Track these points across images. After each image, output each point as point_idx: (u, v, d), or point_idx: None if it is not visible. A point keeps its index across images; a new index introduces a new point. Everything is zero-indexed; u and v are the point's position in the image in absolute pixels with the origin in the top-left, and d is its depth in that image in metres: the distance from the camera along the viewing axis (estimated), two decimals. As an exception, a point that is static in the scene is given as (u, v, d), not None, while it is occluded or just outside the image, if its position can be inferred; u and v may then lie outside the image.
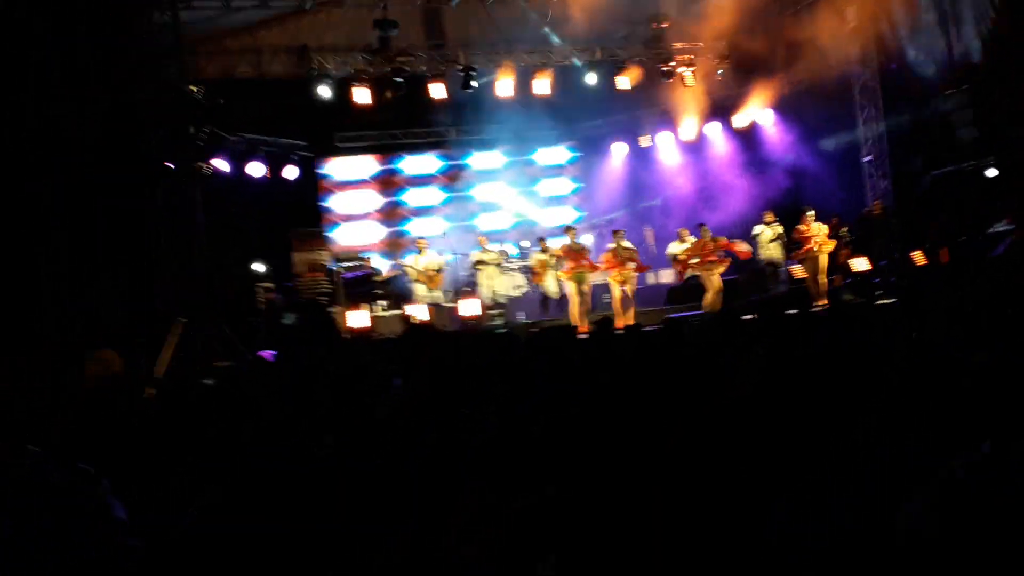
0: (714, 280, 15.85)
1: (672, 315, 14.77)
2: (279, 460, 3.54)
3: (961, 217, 16.45)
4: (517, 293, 18.35)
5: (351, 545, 3.18)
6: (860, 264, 16.89)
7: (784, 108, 20.31)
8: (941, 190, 17.12)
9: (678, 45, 19.93)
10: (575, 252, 15.59)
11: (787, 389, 3.76)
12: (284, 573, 3.08)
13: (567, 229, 16.28)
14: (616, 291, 15.46)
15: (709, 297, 15.82)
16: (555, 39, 19.35)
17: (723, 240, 16.08)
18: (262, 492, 3.34)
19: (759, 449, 3.32)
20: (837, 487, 2.91)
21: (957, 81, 16.36)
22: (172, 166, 14.14)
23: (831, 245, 15.84)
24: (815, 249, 15.68)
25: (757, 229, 17.88)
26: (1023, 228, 14.72)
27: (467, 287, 18.71)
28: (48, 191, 10.86)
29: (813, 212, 15.99)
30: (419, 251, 17.71)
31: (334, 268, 18.69)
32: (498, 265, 17.87)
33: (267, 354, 12.49)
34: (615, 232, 16.02)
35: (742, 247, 16.29)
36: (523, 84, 19.37)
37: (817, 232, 15.74)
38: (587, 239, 20.07)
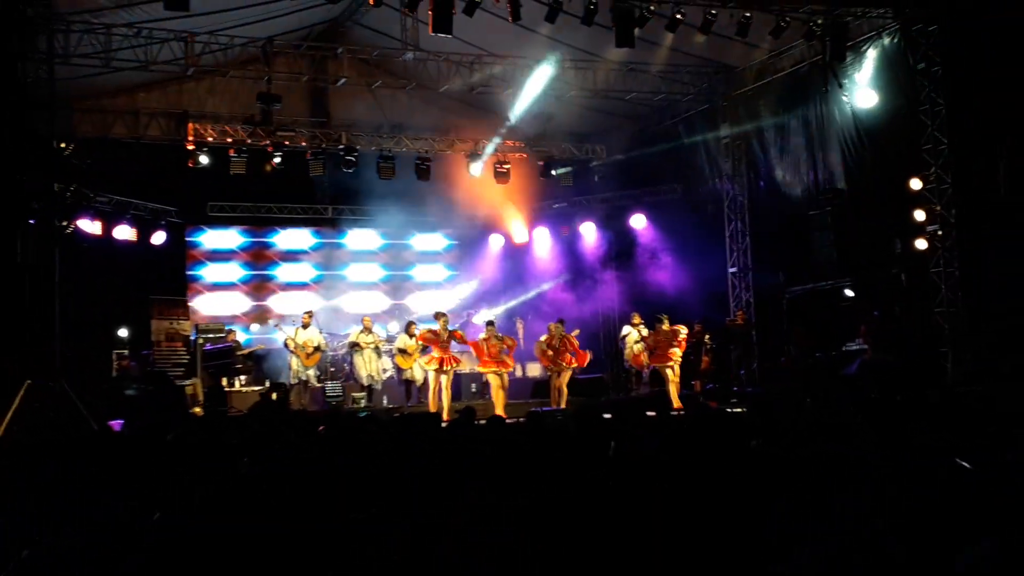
0: (564, 376, 15.95)
1: (536, 409, 14.80)
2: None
3: (818, 333, 17.02)
4: (383, 377, 18.13)
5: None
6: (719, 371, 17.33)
7: (658, 215, 20.88)
8: (801, 306, 17.72)
9: (562, 145, 20.39)
10: (440, 339, 15.57)
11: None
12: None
13: (437, 315, 16.25)
14: (495, 381, 15.44)
15: (556, 393, 15.93)
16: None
17: (575, 342, 16.16)
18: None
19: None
20: None
21: (820, 204, 17.08)
22: (32, 222, 13.64)
23: (678, 354, 16.07)
24: (666, 353, 15.96)
25: (625, 330, 18.14)
26: (875, 349, 15.32)
27: (332, 367, 18.41)
28: None
29: (667, 317, 16.31)
30: (303, 325, 17.29)
31: (194, 339, 18.17)
32: (376, 348, 17.63)
33: (115, 424, 12.02)
34: (489, 323, 16.12)
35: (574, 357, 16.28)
36: (405, 169, 19.45)
37: (668, 337, 16.01)
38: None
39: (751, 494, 3.53)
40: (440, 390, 15.40)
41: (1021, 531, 2.76)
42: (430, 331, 15.89)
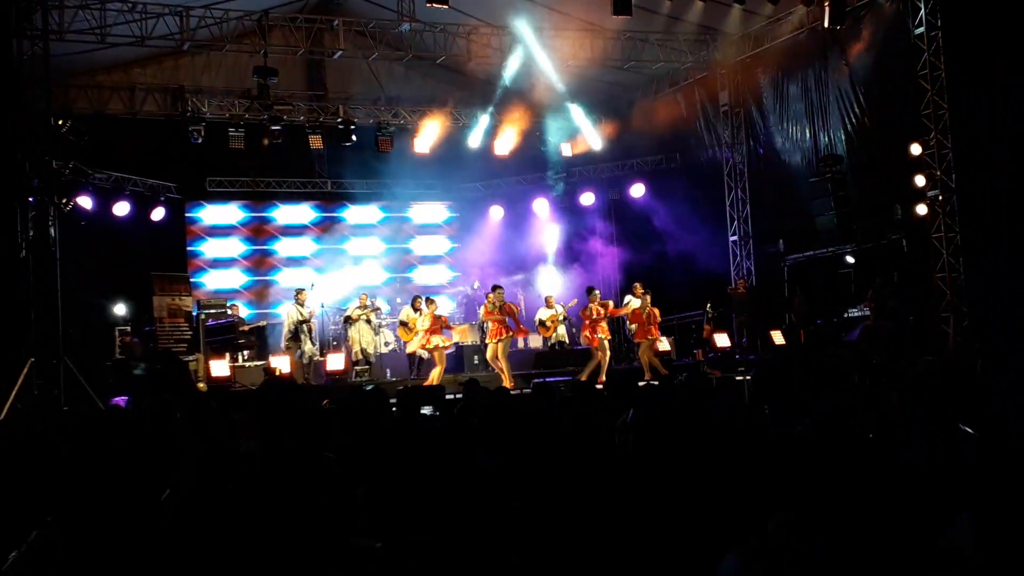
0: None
1: (539, 379, 14.84)
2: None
3: (818, 300, 17.05)
4: (385, 350, 18.13)
5: None
6: (721, 340, 17.25)
7: (657, 184, 20.85)
8: (801, 273, 17.74)
9: (560, 115, 20.30)
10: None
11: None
12: None
13: (495, 288, 16.15)
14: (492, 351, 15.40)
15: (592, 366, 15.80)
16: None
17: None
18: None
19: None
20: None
21: (820, 171, 17.04)
22: (31, 200, 13.63)
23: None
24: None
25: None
26: (878, 315, 15.33)
27: (335, 341, 18.40)
28: None
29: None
30: (299, 302, 17.12)
31: (196, 314, 18.15)
32: (368, 321, 17.62)
33: (120, 400, 12.03)
34: (497, 288, 16.02)
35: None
36: (403, 141, 19.40)
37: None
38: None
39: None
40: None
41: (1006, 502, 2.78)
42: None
